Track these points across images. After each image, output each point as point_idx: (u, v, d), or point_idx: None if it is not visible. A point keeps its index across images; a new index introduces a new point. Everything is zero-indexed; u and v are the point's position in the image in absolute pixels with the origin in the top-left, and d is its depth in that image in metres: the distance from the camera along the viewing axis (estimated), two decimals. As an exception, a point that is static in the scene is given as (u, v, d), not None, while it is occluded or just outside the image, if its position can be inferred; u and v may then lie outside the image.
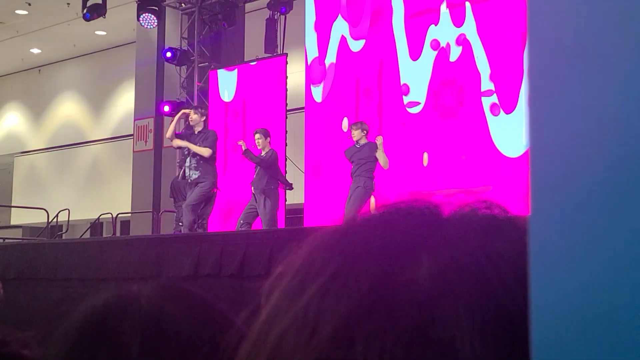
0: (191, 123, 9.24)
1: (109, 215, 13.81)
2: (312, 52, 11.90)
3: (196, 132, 9.17)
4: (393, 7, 10.90)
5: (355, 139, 8.91)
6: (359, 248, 0.44)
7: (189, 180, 9.21)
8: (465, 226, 0.45)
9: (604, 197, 0.32)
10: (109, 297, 0.85)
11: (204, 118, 9.40)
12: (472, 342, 0.39)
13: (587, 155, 0.33)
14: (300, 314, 0.43)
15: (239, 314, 0.83)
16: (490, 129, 9.66)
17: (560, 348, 0.32)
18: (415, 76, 10.47)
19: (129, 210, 14.80)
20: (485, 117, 9.72)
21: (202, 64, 14.02)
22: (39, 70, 22.00)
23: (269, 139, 9.62)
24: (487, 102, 9.75)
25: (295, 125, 11.97)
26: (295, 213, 11.74)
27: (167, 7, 14.21)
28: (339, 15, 11.62)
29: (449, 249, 0.43)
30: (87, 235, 14.70)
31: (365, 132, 8.95)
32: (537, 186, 0.34)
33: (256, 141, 9.58)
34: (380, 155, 8.78)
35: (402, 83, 10.64)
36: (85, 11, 13.67)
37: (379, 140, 8.99)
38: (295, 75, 12.43)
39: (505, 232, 0.44)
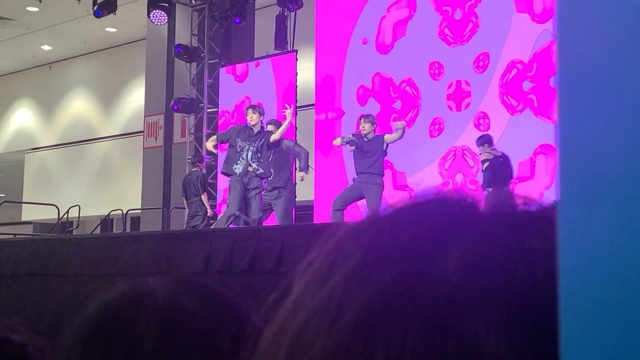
0: (251, 123, 9.02)
1: (119, 212, 13.85)
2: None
3: (255, 132, 8.95)
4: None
5: (364, 132, 8.82)
6: (387, 237, 0.44)
7: (253, 175, 8.96)
8: (499, 221, 0.45)
9: (632, 193, 0.32)
10: (124, 290, 0.85)
11: (262, 117, 9.23)
12: (496, 338, 0.39)
13: (616, 149, 0.33)
14: (324, 299, 0.43)
15: (254, 309, 0.83)
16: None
17: (589, 345, 0.32)
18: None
19: (139, 207, 14.84)
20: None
21: (212, 61, 14.04)
22: (50, 67, 22.07)
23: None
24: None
25: (305, 121, 11.98)
26: (305, 210, 11.74)
27: (177, 4, 14.23)
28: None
29: (480, 244, 0.43)
30: (98, 231, 14.74)
31: (374, 126, 8.88)
32: (566, 179, 0.34)
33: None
34: (393, 137, 8.74)
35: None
36: (95, 8, 13.71)
37: (401, 124, 8.89)
38: (305, 72, 12.43)
39: (541, 229, 0.44)
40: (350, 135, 9.03)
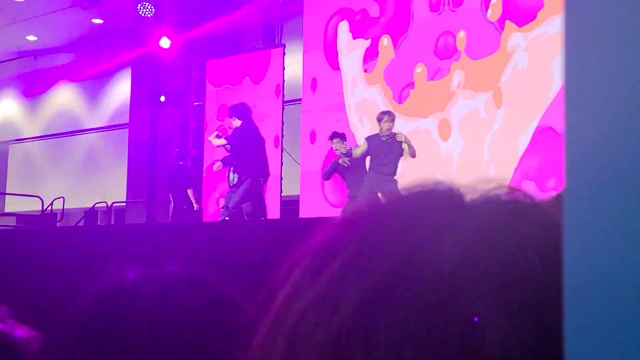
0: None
1: (104, 204, 13.78)
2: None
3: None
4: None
5: (383, 130, 8.29)
6: (381, 227, 0.45)
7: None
8: (488, 209, 0.45)
9: (637, 190, 0.33)
10: (117, 282, 0.85)
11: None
12: (497, 318, 0.39)
13: (622, 142, 0.34)
14: (321, 291, 0.44)
15: (246, 302, 0.83)
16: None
17: (594, 332, 0.33)
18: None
19: (124, 199, 14.78)
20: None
21: (199, 54, 13.98)
22: (35, 58, 21.90)
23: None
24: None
25: (292, 116, 11.96)
26: (291, 205, 11.73)
27: (164, -4, 14.16)
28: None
29: (472, 229, 0.43)
30: (82, 223, 14.67)
31: (393, 123, 8.40)
32: (572, 170, 0.34)
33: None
34: (408, 146, 8.27)
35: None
36: (82, -1, 13.62)
37: (402, 137, 8.39)
38: (293, 66, 12.41)
39: (529, 215, 0.45)
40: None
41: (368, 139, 8.60)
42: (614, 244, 0.33)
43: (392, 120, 8.38)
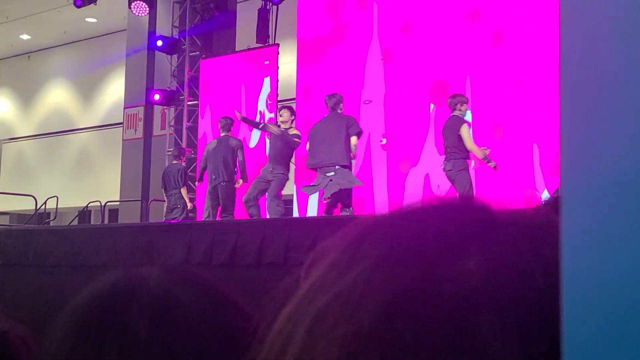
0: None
1: (98, 204, 13.76)
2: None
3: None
4: None
5: (459, 111, 7.93)
6: (411, 234, 0.46)
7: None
8: (515, 228, 0.47)
9: (633, 192, 0.33)
10: (117, 280, 0.85)
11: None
12: (508, 340, 0.40)
13: (618, 149, 0.34)
14: (345, 288, 0.45)
15: (250, 302, 0.84)
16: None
17: (592, 335, 0.33)
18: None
19: (118, 199, 14.75)
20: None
21: (193, 53, 13.96)
22: (29, 57, 21.85)
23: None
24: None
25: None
26: (285, 204, 11.72)
27: (158, -5, 14.15)
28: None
29: (499, 247, 0.45)
30: (75, 223, 14.64)
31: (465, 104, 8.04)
32: (568, 179, 0.35)
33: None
34: (465, 136, 7.83)
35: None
36: (76, -2, 13.59)
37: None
38: (287, 66, 12.41)
39: (554, 236, 0.46)
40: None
41: None
42: (611, 245, 0.33)
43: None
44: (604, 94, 0.35)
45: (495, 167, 8.02)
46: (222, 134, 9.97)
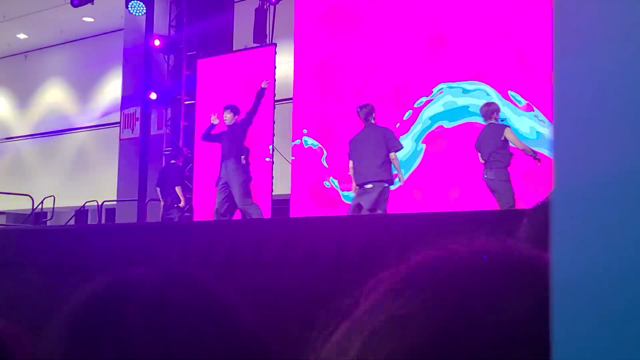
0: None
1: (95, 203, 13.74)
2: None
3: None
4: None
5: (494, 119, 7.93)
6: (463, 279, 0.50)
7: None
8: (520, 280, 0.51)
9: (624, 195, 0.33)
10: (113, 280, 0.85)
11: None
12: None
13: (610, 151, 0.34)
14: (398, 312, 0.49)
15: (246, 303, 0.84)
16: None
17: (581, 334, 0.33)
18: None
19: (115, 198, 14.74)
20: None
21: (190, 53, 13.95)
22: (25, 56, 21.82)
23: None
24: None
25: (283, 115, 11.95)
26: (281, 204, 11.73)
27: (156, -5, 14.13)
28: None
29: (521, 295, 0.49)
30: (72, 222, 14.63)
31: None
32: (560, 181, 0.35)
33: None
34: (512, 138, 7.82)
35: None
36: (73, -3, 13.58)
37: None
38: (284, 65, 12.40)
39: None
40: None
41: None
42: (602, 244, 0.33)
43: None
44: (596, 98, 0.35)
45: (539, 161, 8.00)
46: None
